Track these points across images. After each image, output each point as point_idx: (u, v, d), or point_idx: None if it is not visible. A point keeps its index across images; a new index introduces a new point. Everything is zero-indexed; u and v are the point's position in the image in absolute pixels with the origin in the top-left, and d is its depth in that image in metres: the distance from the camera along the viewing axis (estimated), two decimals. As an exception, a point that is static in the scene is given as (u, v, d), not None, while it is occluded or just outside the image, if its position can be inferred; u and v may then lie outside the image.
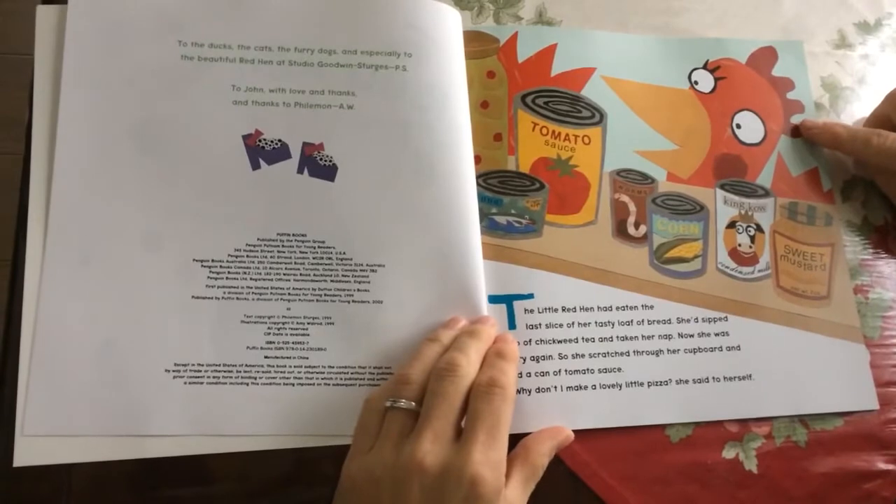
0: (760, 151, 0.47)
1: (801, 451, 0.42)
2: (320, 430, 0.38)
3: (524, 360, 0.40)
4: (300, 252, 0.40)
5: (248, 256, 0.39)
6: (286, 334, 0.39)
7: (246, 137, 0.40)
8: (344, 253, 0.40)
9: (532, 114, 0.45)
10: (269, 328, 0.39)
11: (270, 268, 0.39)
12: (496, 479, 0.32)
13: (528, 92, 0.45)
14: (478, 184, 0.42)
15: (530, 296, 0.42)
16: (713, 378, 0.42)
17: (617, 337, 0.42)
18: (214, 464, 0.38)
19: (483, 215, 0.42)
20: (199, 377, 0.38)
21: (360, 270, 0.40)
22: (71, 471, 0.37)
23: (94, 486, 0.37)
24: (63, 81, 0.40)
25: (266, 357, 0.38)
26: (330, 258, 0.40)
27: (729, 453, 0.41)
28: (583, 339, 0.41)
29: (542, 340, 0.41)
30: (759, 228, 0.45)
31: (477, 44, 0.45)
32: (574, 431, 0.39)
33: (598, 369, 0.41)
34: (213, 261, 0.39)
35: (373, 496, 0.32)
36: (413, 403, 0.34)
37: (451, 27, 0.44)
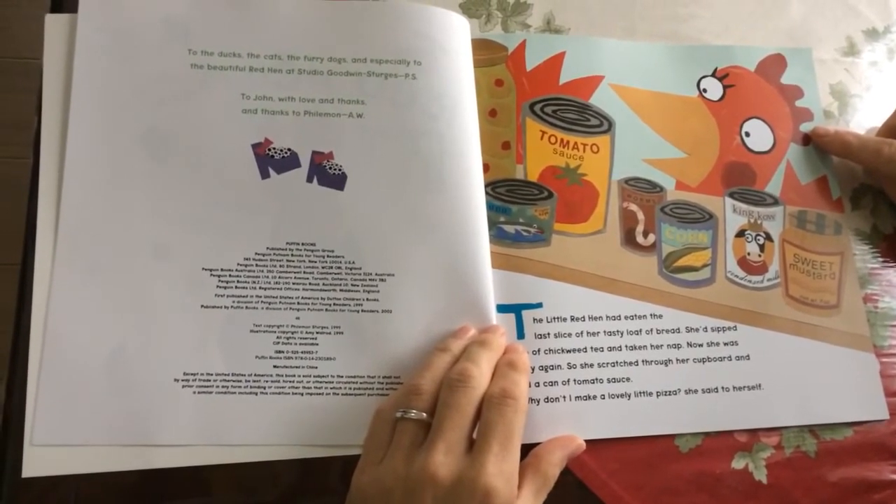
0: (769, 159, 0.47)
1: (811, 461, 0.42)
2: (329, 441, 0.38)
3: (533, 369, 0.40)
4: (309, 261, 0.39)
5: (257, 265, 0.39)
6: (295, 343, 0.39)
7: (255, 146, 0.40)
8: (353, 262, 0.40)
9: (540, 122, 0.45)
10: (278, 337, 0.39)
11: (280, 277, 0.39)
12: (509, 491, 0.32)
13: (537, 100, 0.45)
14: (486, 192, 0.42)
15: (539, 305, 0.41)
16: (722, 388, 0.42)
17: (626, 346, 0.42)
18: (222, 474, 0.37)
19: (491, 224, 0.42)
20: (208, 386, 0.38)
21: (370, 280, 0.40)
22: (79, 481, 0.36)
23: (101, 496, 0.37)
24: (73, 90, 0.40)
25: (275, 366, 0.38)
26: (339, 267, 0.40)
27: (738, 463, 0.41)
28: (591, 348, 0.41)
29: (550, 350, 0.41)
30: (768, 237, 0.45)
31: (485, 52, 0.45)
32: (584, 441, 0.39)
33: (607, 379, 0.41)
34: (222, 270, 0.39)
35: (384, 508, 0.32)
36: (424, 414, 0.34)
37: (459, 35, 0.44)
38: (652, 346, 0.42)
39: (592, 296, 0.42)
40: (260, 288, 0.39)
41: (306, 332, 0.39)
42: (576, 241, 0.43)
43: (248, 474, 0.37)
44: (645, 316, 0.43)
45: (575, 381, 0.41)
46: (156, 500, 0.37)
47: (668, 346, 0.42)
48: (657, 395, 0.41)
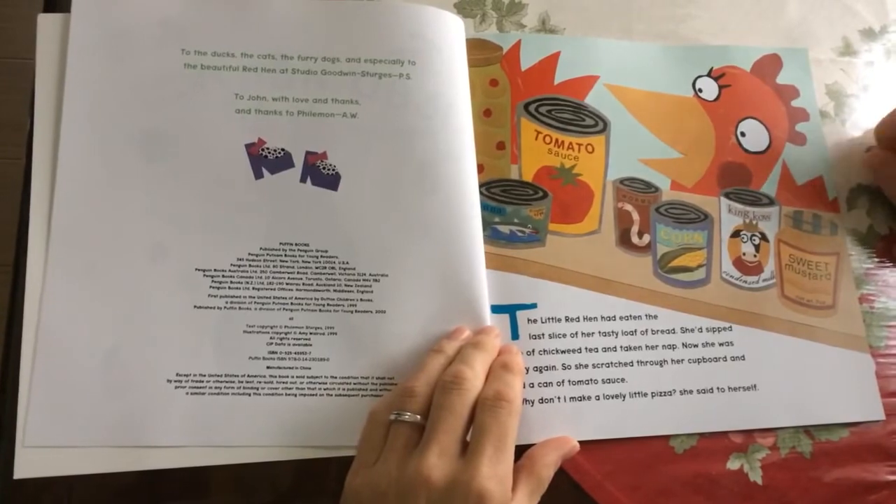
0: (765, 160, 0.47)
1: (807, 463, 0.41)
2: (323, 442, 0.38)
3: (527, 370, 0.40)
4: (303, 261, 0.39)
5: (250, 266, 0.39)
6: (289, 344, 0.39)
7: (249, 146, 0.40)
8: (347, 262, 0.40)
9: (535, 122, 0.45)
10: (271, 338, 0.39)
11: (273, 277, 0.39)
12: (503, 493, 0.32)
13: (532, 100, 0.45)
14: (481, 193, 0.42)
15: (533, 305, 0.41)
16: (718, 388, 0.42)
17: (620, 347, 0.42)
18: (216, 476, 0.37)
19: (486, 224, 0.42)
20: (201, 387, 0.38)
21: (363, 280, 0.39)
22: (72, 483, 0.36)
23: (96, 497, 0.37)
24: (66, 90, 0.40)
25: (268, 367, 0.38)
26: (333, 267, 0.39)
27: (734, 464, 0.41)
28: (586, 349, 0.41)
29: (545, 351, 0.41)
30: (763, 237, 0.45)
31: (480, 52, 0.45)
32: (578, 442, 0.38)
33: (602, 380, 0.41)
34: (215, 270, 0.39)
35: (377, 510, 0.32)
36: (418, 416, 0.34)
37: (454, 35, 0.43)
38: (647, 346, 0.42)
39: (587, 296, 0.42)
40: (253, 288, 0.39)
41: (300, 333, 0.39)
42: (571, 241, 0.43)
43: (244, 476, 0.37)
44: (640, 316, 0.42)
45: (570, 381, 0.40)
46: (151, 501, 0.37)
47: (663, 346, 0.42)
48: (652, 396, 0.41)
